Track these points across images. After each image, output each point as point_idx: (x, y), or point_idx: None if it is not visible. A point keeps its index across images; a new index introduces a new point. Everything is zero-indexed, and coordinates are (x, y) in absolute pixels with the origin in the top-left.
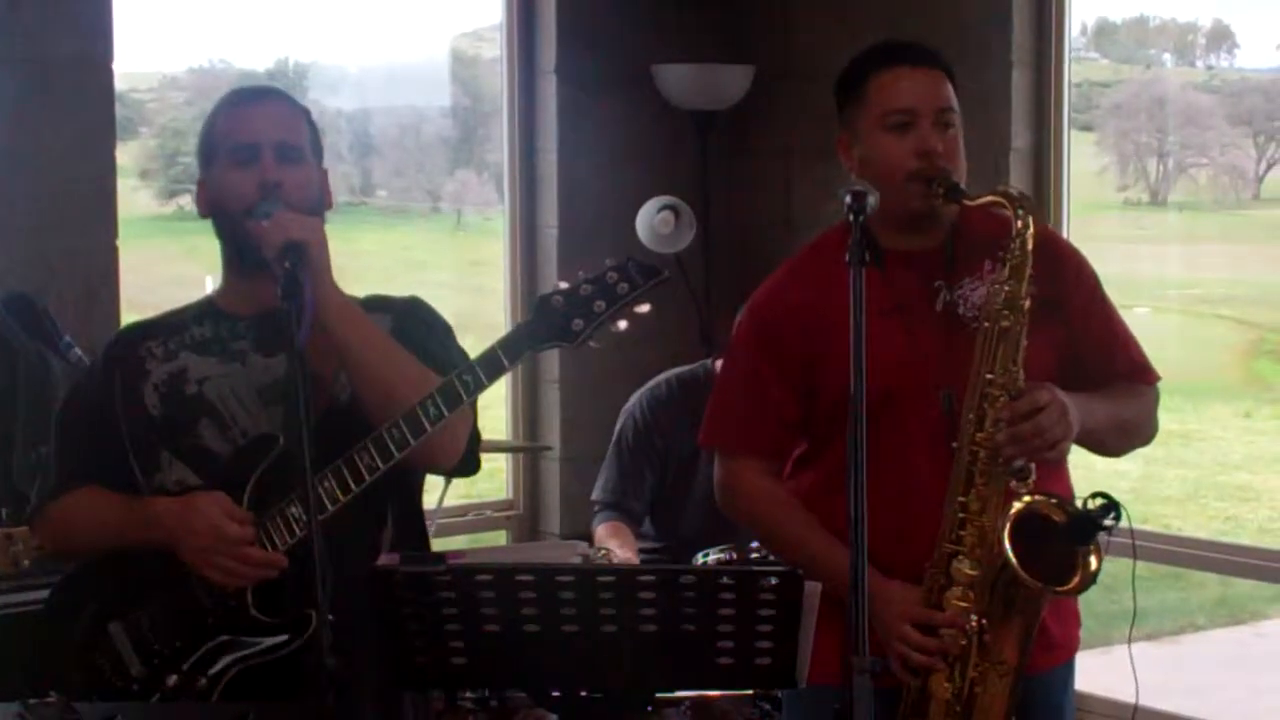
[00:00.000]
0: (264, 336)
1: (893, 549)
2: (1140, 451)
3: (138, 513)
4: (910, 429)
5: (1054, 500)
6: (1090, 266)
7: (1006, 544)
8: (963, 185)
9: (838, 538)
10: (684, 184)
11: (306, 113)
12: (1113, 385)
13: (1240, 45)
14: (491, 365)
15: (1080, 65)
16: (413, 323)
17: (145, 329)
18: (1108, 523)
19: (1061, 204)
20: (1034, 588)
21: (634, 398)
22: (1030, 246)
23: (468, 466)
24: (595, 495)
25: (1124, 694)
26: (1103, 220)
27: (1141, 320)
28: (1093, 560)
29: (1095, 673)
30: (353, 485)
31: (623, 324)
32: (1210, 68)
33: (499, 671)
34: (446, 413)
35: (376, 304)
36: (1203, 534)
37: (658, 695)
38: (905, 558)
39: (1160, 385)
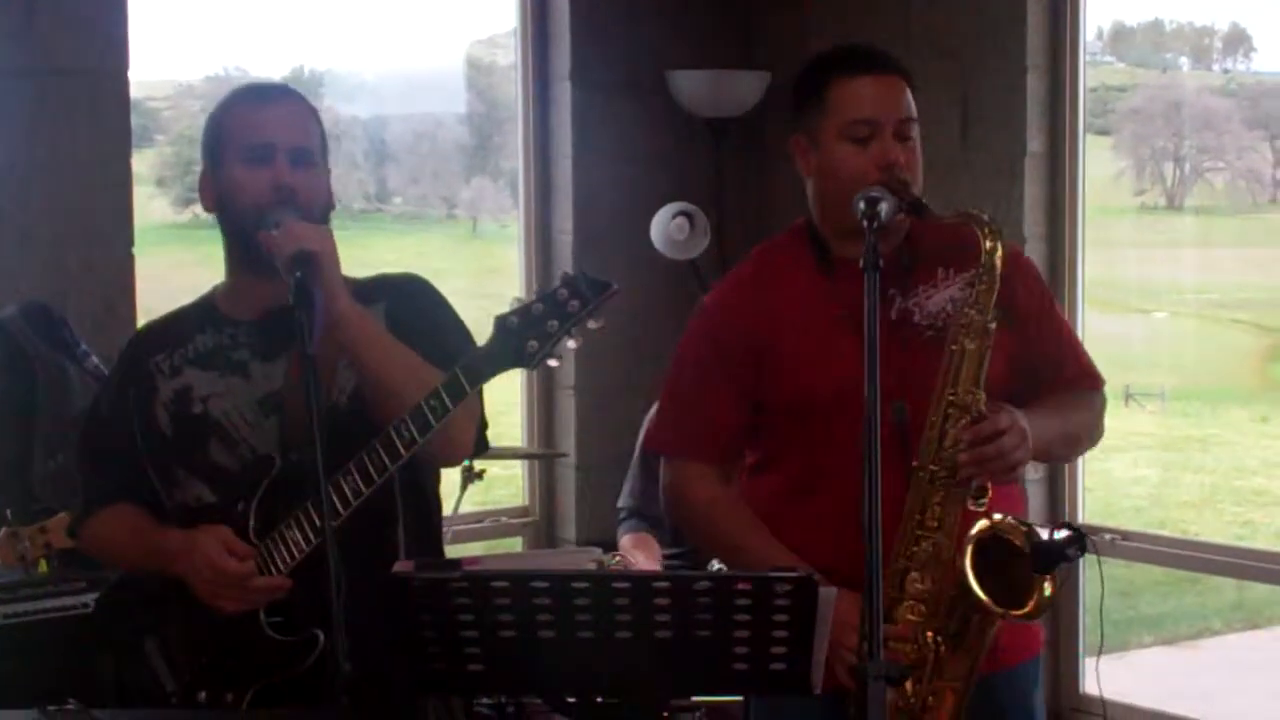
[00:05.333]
0: (263, 342)
1: (845, 557)
2: (1158, 456)
3: (152, 543)
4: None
5: (1019, 524)
6: (1041, 276)
7: (968, 568)
8: (921, 196)
9: (796, 545)
10: (699, 190)
11: (315, 112)
12: (1061, 393)
13: (1257, 49)
14: (454, 389)
15: (1096, 69)
16: (407, 309)
17: (152, 340)
18: (1070, 553)
19: (1077, 208)
20: (993, 612)
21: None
22: (999, 271)
23: (476, 448)
24: (620, 502)
25: (1140, 698)
26: (1119, 225)
27: (1158, 325)
28: (1048, 586)
29: (1111, 677)
30: (350, 499)
31: (572, 343)
32: (1227, 71)
33: (515, 677)
34: (419, 438)
35: (373, 292)
36: (1219, 538)
37: (673, 701)
38: (858, 567)
39: (1176, 389)
